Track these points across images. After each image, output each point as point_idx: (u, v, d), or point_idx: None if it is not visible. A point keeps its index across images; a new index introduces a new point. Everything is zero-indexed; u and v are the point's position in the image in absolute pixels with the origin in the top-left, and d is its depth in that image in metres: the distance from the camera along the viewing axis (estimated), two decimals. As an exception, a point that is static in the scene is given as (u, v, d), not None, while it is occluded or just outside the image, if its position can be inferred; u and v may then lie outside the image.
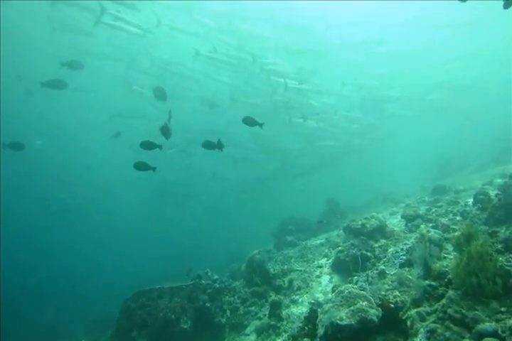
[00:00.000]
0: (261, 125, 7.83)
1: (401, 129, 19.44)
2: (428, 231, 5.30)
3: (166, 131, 7.23)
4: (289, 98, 15.83)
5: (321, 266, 8.31)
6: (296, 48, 16.78)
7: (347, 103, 17.28)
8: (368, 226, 7.28)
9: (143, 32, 14.71)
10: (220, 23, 15.97)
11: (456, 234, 4.33)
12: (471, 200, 7.84)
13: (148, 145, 7.47)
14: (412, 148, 19.73)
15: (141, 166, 7.39)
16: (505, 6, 4.48)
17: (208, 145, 7.75)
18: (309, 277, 8.09)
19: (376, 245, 6.89)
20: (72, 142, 24.64)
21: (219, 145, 7.54)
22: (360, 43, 18.17)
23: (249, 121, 7.80)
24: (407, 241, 6.18)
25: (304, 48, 16.98)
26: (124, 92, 17.08)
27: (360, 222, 7.44)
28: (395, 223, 8.70)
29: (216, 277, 8.68)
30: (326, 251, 9.09)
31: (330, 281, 7.67)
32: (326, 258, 8.60)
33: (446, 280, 4.35)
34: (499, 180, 9.12)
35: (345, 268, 7.14)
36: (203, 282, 8.23)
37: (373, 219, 7.39)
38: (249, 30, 16.59)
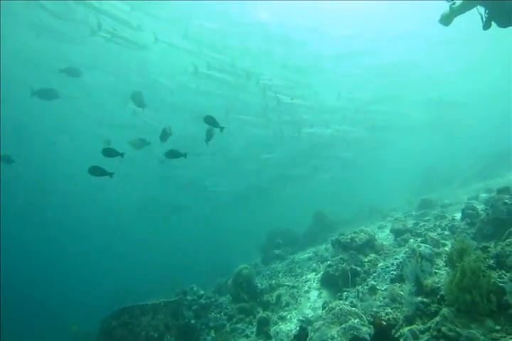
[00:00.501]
0: (221, 128, 7.78)
1: (386, 143, 19.70)
2: (419, 246, 5.26)
3: (164, 134, 7.26)
4: (282, 112, 16.00)
5: (309, 281, 8.18)
6: (292, 64, 16.95)
7: (340, 116, 17.53)
8: (357, 240, 7.21)
9: (139, 48, 14.89)
10: (213, 39, 16.09)
11: (449, 249, 4.28)
12: (458, 215, 7.89)
13: (109, 153, 7.42)
14: (397, 161, 19.97)
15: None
16: (485, 28, 4.60)
17: (173, 154, 7.75)
18: (298, 292, 7.94)
19: (366, 259, 6.81)
20: (55, 151, 24.11)
21: (183, 154, 7.59)
22: (354, 55, 18.43)
23: (210, 121, 7.67)
24: (397, 256, 6.12)
25: (299, 65, 17.12)
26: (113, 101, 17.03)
27: (349, 236, 7.37)
28: (383, 237, 8.67)
29: (202, 292, 8.42)
30: (315, 265, 8.96)
31: (319, 296, 7.53)
32: (314, 273, 8.47)
33: (438, 296, 4.29)
34: (484, 195, 9.26)
35: (334, 283, 7.02)
36: (188, 298, 7.97)
37: (362, 233, 7.33)
38: (243, 46, 16.78)
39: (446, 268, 5.05)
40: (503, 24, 4.40)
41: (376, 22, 19.64)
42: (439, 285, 4.40)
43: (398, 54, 18.90)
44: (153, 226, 24.63)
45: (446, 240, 6.29)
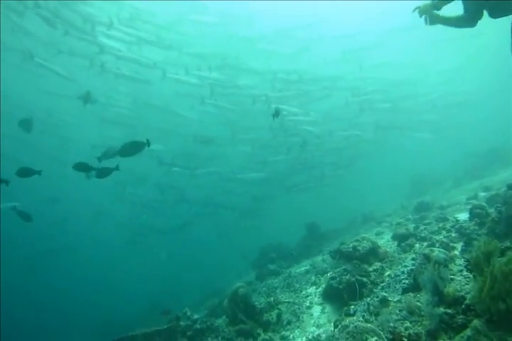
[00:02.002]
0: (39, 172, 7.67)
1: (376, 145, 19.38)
2: (431, 251, 4.84)
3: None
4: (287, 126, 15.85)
5: (310, 296, 7.63)
6: (297, 79, 16.74)
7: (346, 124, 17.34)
8: (360, 248, 6.76)
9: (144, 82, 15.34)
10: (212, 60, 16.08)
11: (473, 252, 3.86)
12: (461, 216, 7.57)
13: (24, 173, 7.39)
14: (384, 164, 19.75)
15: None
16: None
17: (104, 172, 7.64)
18: (299, 309, 7.37)
19: (371, 269, 6.35)
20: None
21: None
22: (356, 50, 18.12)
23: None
24: (406, 263, 5.68)
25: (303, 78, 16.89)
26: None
27: (351, 245, 6.91)
28: (384, 243, 8.24)
29: (196, 317, 7.76)
30: (314, 278, 8.43)
31: (322, 312, 6.99)
32: (314, 287, 7.93)
33: (463, 306, 3.83)
34: (483, 194, 9.01)
35: (338, 296, 6.51)
36: (182, 323, 7.29)
37: (365, 241, 6.89)
38: (245, 64, 16.68)
39: (464, 274, 4.63)
40: (495, 14, 4.09)
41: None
42: (462, 293, 3.96)
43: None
44: (142, 251, 23.57)
45: (455, 243, 5.90)
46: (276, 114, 11.79)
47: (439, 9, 4.52)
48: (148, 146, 7.46)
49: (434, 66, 19.62)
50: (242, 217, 20.42)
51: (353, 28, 18.50)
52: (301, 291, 8.05)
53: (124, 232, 21.94)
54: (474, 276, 3.78)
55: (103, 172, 7.44)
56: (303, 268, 9.79)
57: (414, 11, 4.63)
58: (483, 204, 6.24)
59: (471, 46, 19.25)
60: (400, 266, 5.81)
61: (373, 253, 6.81)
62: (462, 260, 5.18)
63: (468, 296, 3.84)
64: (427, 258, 4.82)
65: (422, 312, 4.28)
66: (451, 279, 4.65)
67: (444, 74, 20.11)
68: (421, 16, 4.67)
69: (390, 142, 19.14)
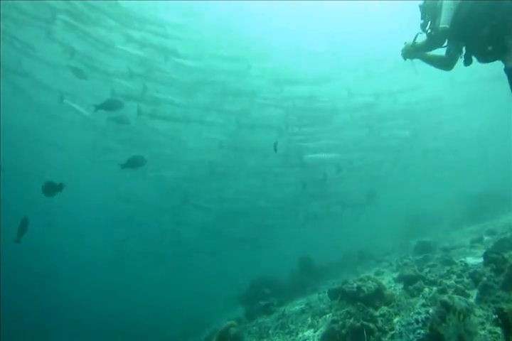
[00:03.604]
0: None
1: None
2: (451, 298, 4.43)
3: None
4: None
5: (307, 340, 7.02)
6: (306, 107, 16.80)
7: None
8: (364, 289, 6.28)
9: None
10: None
11: (504, 307, 3.49)
12: (469, 259, 7.23)
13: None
14: (381, 200, 19.42)
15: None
16: (466, 64, 4.22)
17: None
18: (295, 355, 6.76)
19: (377, 313, 5.85)
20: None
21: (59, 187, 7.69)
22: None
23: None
24: (418, 310, 5.24)
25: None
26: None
27: (355, 285, 6.43)
28: (386, 285, 7.77)
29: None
30: (310, 320, 7.81)
31: (322, 360, 6.39)
32: (312, 329, 7.32)
33: (495, 366, 3.43)
34: (487, 238, 8.73)
35: (340, 342, 5.95)
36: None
37: (370, 281, 6.43)
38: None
39: (488, 328, 4.22)
40: (483, 60, 3.96)
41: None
42: (493, 351, 3.55)
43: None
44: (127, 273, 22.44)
45: (468, 290, 5.51)
46: (275, 148, 11.83)
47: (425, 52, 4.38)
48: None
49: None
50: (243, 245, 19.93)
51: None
52: (297, 334, 7.43)
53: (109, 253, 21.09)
54: (506, 334, 3.39)
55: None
56: (298, 307, 9.17)
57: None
58: (498, 248, 5.92)
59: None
60: (411, 313, 5.36)
61: (379, 295, 6.34)
62: (481, 310, 4.80)
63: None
64: (445, 306, 4.41)
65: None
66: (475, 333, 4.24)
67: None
68: (405, 59, 4.57)
69: (391, 178, 18.93)
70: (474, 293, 5.33)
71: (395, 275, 8.40)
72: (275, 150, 10.13)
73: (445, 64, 4.24)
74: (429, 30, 4.12)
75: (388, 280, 8.19)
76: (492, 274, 5.35)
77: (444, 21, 3.81)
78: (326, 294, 8.39)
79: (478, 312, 4.72)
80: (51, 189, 7.56)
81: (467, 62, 4.08)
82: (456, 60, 4.13)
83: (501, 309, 3.49)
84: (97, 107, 11.84)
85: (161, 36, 14.78)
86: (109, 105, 11.93)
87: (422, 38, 4.34)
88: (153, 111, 15.59)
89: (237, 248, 20.37)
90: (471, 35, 3.77)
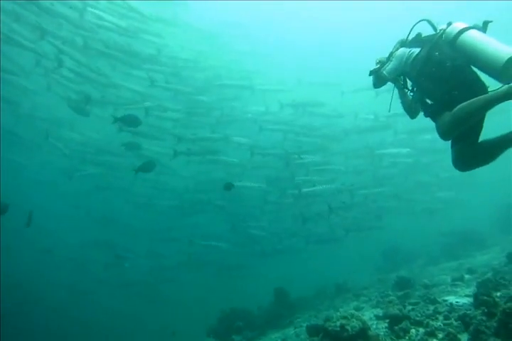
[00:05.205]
0: None
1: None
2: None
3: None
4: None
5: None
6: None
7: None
8: (348, 328, 5.92)
9: None
10: None
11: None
12: (451, 298, 7.10)
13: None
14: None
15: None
16: (412, 116, 4.09)
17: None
18: None
19: (362, 356, 5.52)
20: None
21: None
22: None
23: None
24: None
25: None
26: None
27: (338, 323, 6.06)
28: (368, 322, 7.47)
29: None
30: (288, 360, 7.36)
31: None
32: (290, 371, 6.86)
33: None
34: (468, 276, 8.69)
35: (322, 388, 5.54)
36: None
37: (354, 319, 6.09)
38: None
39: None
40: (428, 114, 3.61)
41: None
42: None
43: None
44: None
45: (459, 334, 5.30)
46: (228, 187, 11.86)
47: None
48: None
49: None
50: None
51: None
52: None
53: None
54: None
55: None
56: (273, 344, 8.67)
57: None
58: (489, 289, 5.79)
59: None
60: (400, 358, 5.06)
61: (363, 335, 5.99)
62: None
63: None
64: (441, 352, 4.16)
65: None
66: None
67: None
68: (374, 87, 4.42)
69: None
70: (465, 338, 5.12)
71: (375, 311, 8.14)
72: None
73: (412, 111, 3.99)
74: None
75: (369, 317, 7.87)
76: (484, 318, 5.17)
77: (388, 70, 3.90)
78: (304, 329, 7.98)
79: (471, 359, 4.51)
80: None
81: (414, 114, 3.97)
82: (417, 110, 3.92)
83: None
84: (116, 119, 11.35)
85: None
86: (129, 120, 11.42)
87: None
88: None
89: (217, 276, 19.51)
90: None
